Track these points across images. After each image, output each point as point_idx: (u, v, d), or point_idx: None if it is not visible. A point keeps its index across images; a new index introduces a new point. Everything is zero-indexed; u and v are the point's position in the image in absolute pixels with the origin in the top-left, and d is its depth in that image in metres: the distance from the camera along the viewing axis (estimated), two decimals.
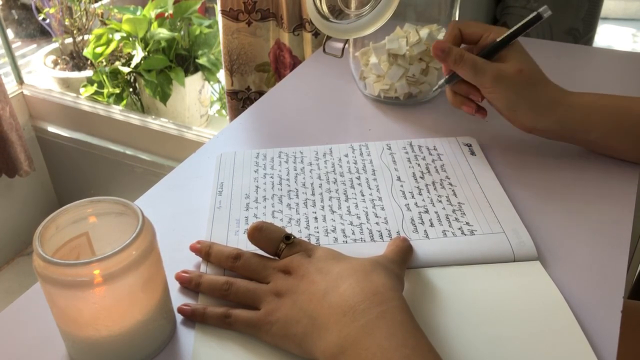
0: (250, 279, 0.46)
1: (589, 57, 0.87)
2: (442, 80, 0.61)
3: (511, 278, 0.47)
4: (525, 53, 0.58)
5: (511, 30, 0.57)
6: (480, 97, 0.59)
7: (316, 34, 1.01)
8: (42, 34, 2.02)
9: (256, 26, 1.07)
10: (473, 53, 0.58)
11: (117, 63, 1.77)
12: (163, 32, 1.69)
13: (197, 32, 1.75)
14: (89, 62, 1.84)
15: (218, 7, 1.07)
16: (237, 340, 0.43)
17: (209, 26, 1.76)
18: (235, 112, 1.17)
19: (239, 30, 1.07)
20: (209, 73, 1.77)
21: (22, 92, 1.72)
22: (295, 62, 1.06)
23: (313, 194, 0.57)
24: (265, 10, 1.05)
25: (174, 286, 0.47)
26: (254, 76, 1.13)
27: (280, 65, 1.10)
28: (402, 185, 0.58)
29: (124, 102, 1.77)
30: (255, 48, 1.10)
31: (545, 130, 0.58)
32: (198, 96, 1.83)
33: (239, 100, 1.16)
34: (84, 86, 1.75)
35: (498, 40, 0.57)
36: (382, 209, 0.54)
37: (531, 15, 0.57)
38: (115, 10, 1.80)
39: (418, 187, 0.57)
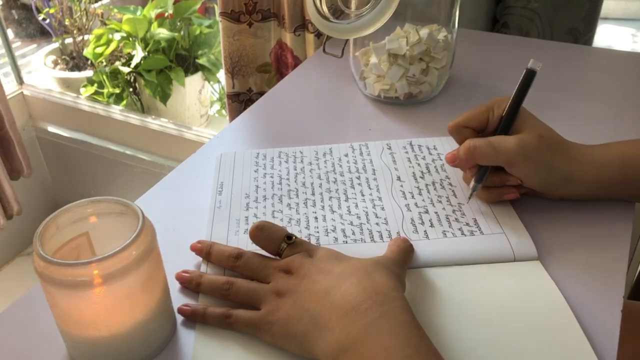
0: (250, 279, 0.46)
1: (589, 57, 0.87)
2: (472, 183, 0.53)
3: (511, 278, 0.47)
4: (537, 119, 0.52)
5: (512, 98, 0.52)
6: (517, 178, 0.52)
7: (318, 34, 1.01)
8: (42, 34, 2.02)
9: (257, 27, 1.07)
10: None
11: (117, 63, 1.77)
12: (163, 32, 1.69)
13: (197, 32, 1.75)
14: (89, 62, 1.84)
15: (218, 10, 1.07)
16: (238, 340, 0.43)
17: (209, 26, 1.76)
18: (235, 115, 1.17)
19: (240, 31, 1.07)
20: (209, 73, 1.77)
21: (22, 92, 1.72)
22: (297, 62, 1.06)
23: (313, 194, 0.57)
24: (266, 11, 1.05)
25: (174, 286, 0.47)
26: (255, 77, 1.13)
27: (282, 65, 1.10)
28: (402, 185, 0.58)
29: (124, 102, 1.77)
30: (256, 49, 1.10)
31: (582, 195, 0.53)
32: (198, 96, 1.83)
33: (241, 102, 1.16)
34: (84, 86, 1.75)
35: (504, 113, 0.52)
36: (382, 209, 0.55)
37: (523, 74, 0.53)
38: (115, 10, 1.80)
39: (418, 187, 0.57)
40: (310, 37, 1.02)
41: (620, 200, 0.54)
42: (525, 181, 0.52)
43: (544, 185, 0.52)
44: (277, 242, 0.46)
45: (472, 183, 0.53)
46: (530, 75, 0.53)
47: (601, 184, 0.52)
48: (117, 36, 1.73)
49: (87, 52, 1.75)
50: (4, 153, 1.56)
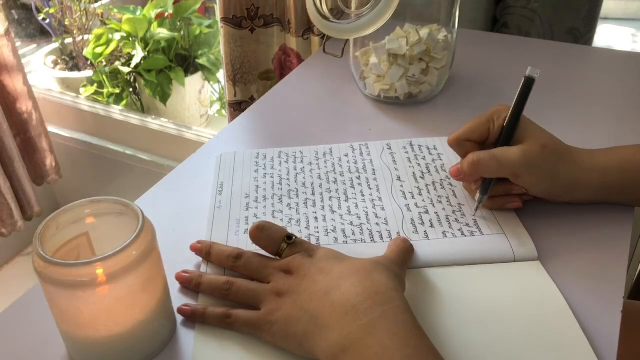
0: (250, 279, 0.46)
1: (589, 57, 0.87)
2: (478, 196, 0.53)
3: (511, 278, 0.47)
4: (539, 128, 0.52)
5: (512, 107, 0.52)
6: (522, 188, 0.52)
7: (323, 36, 0.99)
8: (42, 34, 2.02)
9: (259, 33, 1.04)
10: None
11: (117, 63, 1.77)
12: (163, 32, 1.69)
13: (197, 32, 1.75)
14: (89, 62, 1.84)
15: (219, 15, 1.05)
16: (237, 340, 0.43)
17: (209, 26, 1.76)
18: None
19: (242, 37, 1.03)
20: (209, 73, 1.77)
21: None
22: None
23: (313, 194, 0.57)
24: (269, 16, 1.02)
25: (174, 286, 0.47)
26: (257, 85, 1.10)
27: (287, 70, 1.08)
28: (402, 185, 0.58)
29: (124, 102, 1.77)
30: (258, 55, 1.06)
31: (585, 199, 0.53)
32: (198, 96, 1.83)
33: (243, 111, 1.14)
34: (84, 86, 1.75)
35: (505, 124, 0.52)
36: (382, 209, 0.54)
37: (522, 83, 0.52)
38: (115, 10, 1.80)
39: (418, 187, 0.57)
40: (315, 40, 1.00)
41: (620, 205, 0.54)
42: (530, 190, 0.52)
43: (548, 193, 0.52)
44: (277, 242, 0.46)
45: (478, 195, 0.53)
46: (529, 83, 0.52)
47: (603, 189, 0.52)
48: (117, 36, 1.72)
49: (87, 52, 1.75)
50: (28, 157, 1.56)
